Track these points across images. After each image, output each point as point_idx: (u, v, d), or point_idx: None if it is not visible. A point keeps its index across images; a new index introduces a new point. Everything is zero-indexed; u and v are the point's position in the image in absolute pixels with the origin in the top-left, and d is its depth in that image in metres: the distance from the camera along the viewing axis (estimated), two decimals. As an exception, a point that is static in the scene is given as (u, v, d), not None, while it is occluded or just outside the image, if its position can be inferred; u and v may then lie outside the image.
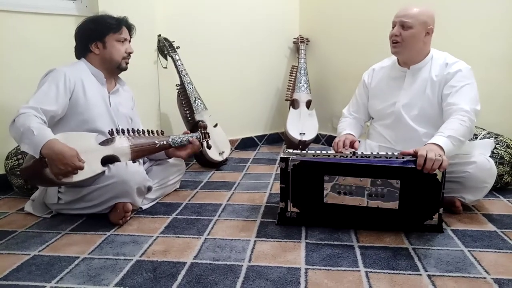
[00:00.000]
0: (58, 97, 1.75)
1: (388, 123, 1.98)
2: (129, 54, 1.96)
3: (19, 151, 2.15)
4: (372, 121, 2.12)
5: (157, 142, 1.96)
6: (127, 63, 1.97)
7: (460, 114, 1.72)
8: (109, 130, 1.83)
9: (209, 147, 2.28)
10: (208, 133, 2.23)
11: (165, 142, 1.99)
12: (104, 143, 1.79)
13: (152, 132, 1.98)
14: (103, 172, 1.73)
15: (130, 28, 2.00)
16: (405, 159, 1.63)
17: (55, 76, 1.78)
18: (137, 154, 1.89)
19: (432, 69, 1.87)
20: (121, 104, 2.00)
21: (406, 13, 1.82)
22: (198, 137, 2.14)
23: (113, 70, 1.96)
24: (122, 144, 1.83)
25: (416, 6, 1.83)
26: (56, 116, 1.76)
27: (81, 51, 1.93)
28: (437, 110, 1.85)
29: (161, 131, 2.04)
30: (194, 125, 2.63)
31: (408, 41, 1.83)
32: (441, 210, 1.63)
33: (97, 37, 1.89)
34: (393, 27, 1.87)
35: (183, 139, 2.06)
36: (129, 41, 1.99)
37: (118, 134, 1.84)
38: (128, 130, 1.89)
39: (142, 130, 1.95)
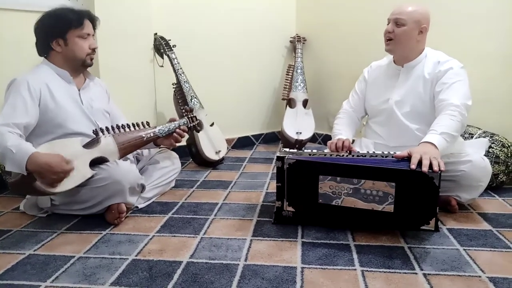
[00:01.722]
0: (27, 107, 1.70)
1: (381, 120, 2.00)
2: (93, 50, 1.88)
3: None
4: (367, 119, 2.13)
5: (144, 135, 1.92)
6: (92, 59, 1.89)
7: (450, 109, 1.73)
8: (93, 130, 1.78)
9: (198, 130, 2.25)
10: (195, 116, 2.20)
11: (152, 134, 1.95)
12: (89, 145, 1.75)
13: (138, 125, 1.93)
14: (93, 175, 1.70)
15: (93, 21, 1.89)
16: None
17: (18, 87, 1.72)
18: (125, 151, 1.86)
19: (425, 67, 1.89)
20: (94, 99, 1.93)
21: (401, 11, 1.86)
22: (185, 122, 2.13)
23: (77, 67, 1.88)
24: (108, 144, 1.79)
25: (411, 5, 1.86)
26: (30, 126, 1.72)
27: (42, 48, 1.86)
28: (428, 107, 1.87)
29: (147, 122, 1.99)
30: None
31: (401, 38, 1.86)
32: (437, 211, 1.62)
33: (57, 34, 1.80)
34: (388, 25, 1.90)
35: (170, 127, 2.03)
36: (93, 35, 1.90)
37: (103, 134, 1.79)
38: (113, 127, 1.84)
39: (127, 124, 1.89)
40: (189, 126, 2.15)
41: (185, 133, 2.10)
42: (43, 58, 1.88)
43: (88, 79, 1.97)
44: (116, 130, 1.85)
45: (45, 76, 1.81)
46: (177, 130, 2.05)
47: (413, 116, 1.89)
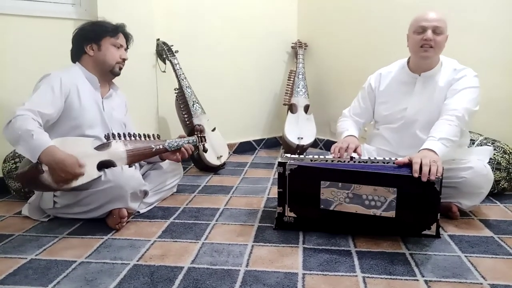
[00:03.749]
0: (54, 101, 1.75)
1: (395, 127, 1.96)
2: (123, 60, 1.98)
3: (16, 155, 2.15)
4: (376, 124, 2.10)
5: (153, 146, 1.96)
6: (120, 69, 1.98)
7: (447, 114, 1.73)
8: (105, 135, 1.83)
9: (205, 150, 2.28)
10: (204, 137, 2.24)
11: (161, 146, 1.98)
12: (100, 148, 1.79)
13: (148, 136, 1.98)
14: (99, 176, 1.73)
15: (127, 36, 2.03)
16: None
17: (50, 80, 1.78)
18: (133, 158, 1.88)
19: (442, 76, 1.87)
20: (114, 109, 2.00)
21: (437, 17, 1.81)
22: (195, 140, 2.15)
23: (106, 74, 1.96)
24: (118, 149, 1.83)
25: (438, 12, 1.82)
26: (51, 120, 1.76)
27: (76, 52, 1.94)
28: None
29: (157, 135, 2.04)
30: (192, 129, 2.64)
31: (440, 47, 1.83)
32: (438, 216, 1.62)
33: (93, 39, 1.91)
34: (419, 32, 1.82)
35: (179, 143, 2.06)
36: (126, 49, 2.01)
37: (114, 139, 1.84)
38: (124, 134, 1.89)
39: (138, 134, 1.95)
40: (197, 144, 2.18)
41: (191, 150, 2.12)
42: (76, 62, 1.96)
43: (112, 89, 2.04)
44: (127, 137, 1.89)
45: (76, 77, 1.88)
46: (185, 145, 2.07)
47: (430, 127, 1.81)
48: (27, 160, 1.62)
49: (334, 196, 1.65)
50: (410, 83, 1.94)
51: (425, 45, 1.81)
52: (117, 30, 1.95)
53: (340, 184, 1.63)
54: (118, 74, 1.99)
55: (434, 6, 2.37)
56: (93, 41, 1.91)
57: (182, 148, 2.06)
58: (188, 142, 2.10)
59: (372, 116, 2.10)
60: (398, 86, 1.98)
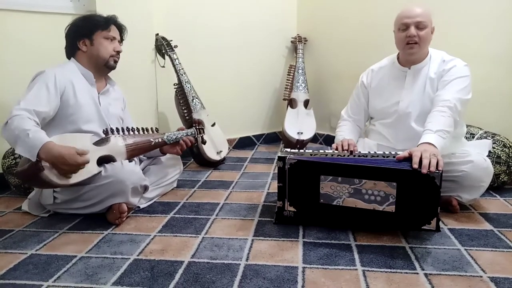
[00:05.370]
0: (50, 98, 1.74)
1: (389, 122, 1.97)
2: (117, 52, 1.95)
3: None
4: (371, 120, 2.11)
5: (152, 140, 1.96)
6: (115, 61, 1.96)
7: (439, 105, 1.74)
8: (103, 130, 1.83)
9: (203, 142, 2.28)
10: (203, 128, 2.24)
11: (160, 140, 1.98)
12: (99, 143, 1.78)
13: (147, 130, 1.98)
14: (100, 172, 1.73)
15: (120, 28, 2.00)
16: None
17: (45, 77, 1.77)
18: (133, 153, 1.88)
19: (431, 67, 1.88)
20: (111, 104, 1.99)
21: (419, 13, 1.81)
22: (193, 132, 2.15)
23: (101, 68, 1.94)
24: (117, 144, 1.83)
25: (420, 6, 1.83)
26: (48, 117, 1.75)
27: (70, 49, 1.93)
28: None
29: (156, 128, 2.03)
30: (191, 124, 2.63)
31: (425, 41, 1.83)
32: (438, 211, 1.62)
33: (84, 34, 1.89)
34: (403, 29, 1.83)
35: (178, 135, 2.06)
36: (120, 41, 1.99)
37: (113, 134, 1.84)
38: (122, 129, 1.88)
39: (137, 128, 1.94)
40: (196, 136, 2.17)
41: (191, 143, 2.12)
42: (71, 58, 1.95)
43: (109, 84, 2.02)
44: (126, 132, 1.89)
45: (71, 73, 1.87)
46: (184, 138, 2.07)
47: (424, 119, 1.83)
48: (26, 158, 1.61)
49: (334, 191, 1.65)
50: (401, 76, 1.95)
51: (410, 42, 1.83)
52: (108, 22, 1.92)
53: (340, 178, 1.63)
54: (113, 68, 1.97)
55: (433, 1, 2.37)
56: (85, 37, 1.89)
57: (181, 140, 2.06)
58: (187, 134, 2.10)
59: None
60: (389, 81, 1.99)
